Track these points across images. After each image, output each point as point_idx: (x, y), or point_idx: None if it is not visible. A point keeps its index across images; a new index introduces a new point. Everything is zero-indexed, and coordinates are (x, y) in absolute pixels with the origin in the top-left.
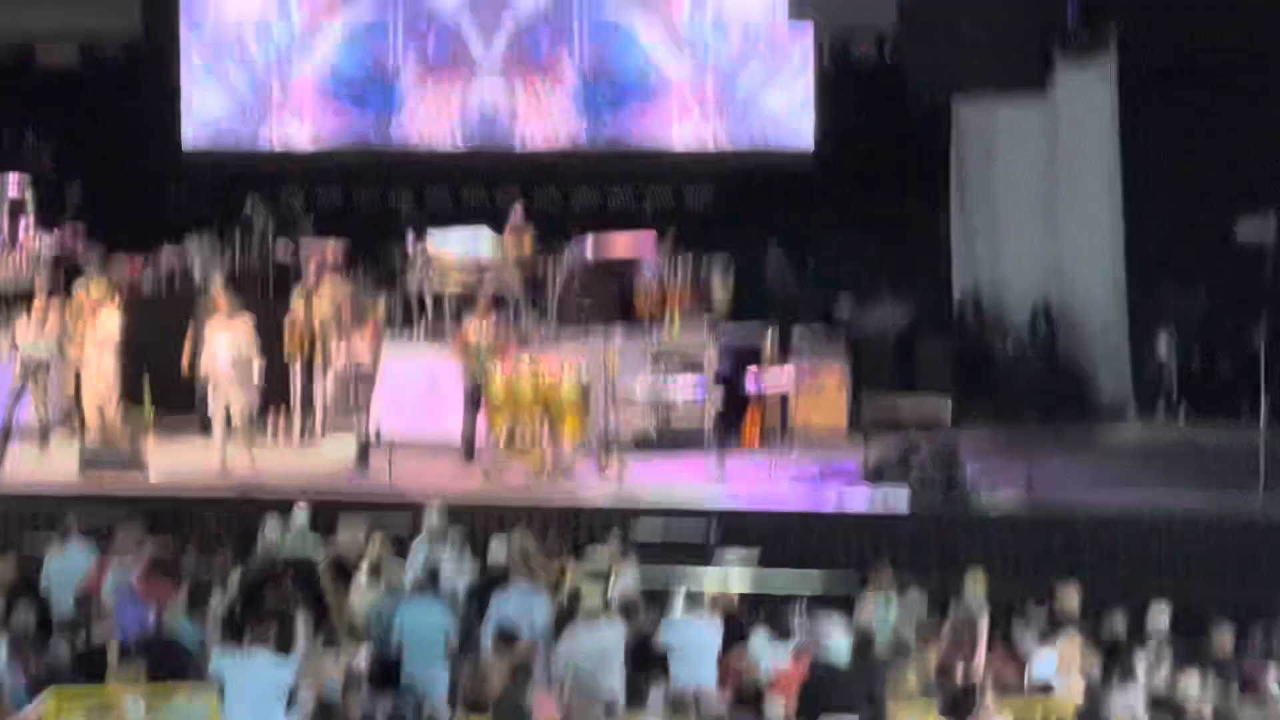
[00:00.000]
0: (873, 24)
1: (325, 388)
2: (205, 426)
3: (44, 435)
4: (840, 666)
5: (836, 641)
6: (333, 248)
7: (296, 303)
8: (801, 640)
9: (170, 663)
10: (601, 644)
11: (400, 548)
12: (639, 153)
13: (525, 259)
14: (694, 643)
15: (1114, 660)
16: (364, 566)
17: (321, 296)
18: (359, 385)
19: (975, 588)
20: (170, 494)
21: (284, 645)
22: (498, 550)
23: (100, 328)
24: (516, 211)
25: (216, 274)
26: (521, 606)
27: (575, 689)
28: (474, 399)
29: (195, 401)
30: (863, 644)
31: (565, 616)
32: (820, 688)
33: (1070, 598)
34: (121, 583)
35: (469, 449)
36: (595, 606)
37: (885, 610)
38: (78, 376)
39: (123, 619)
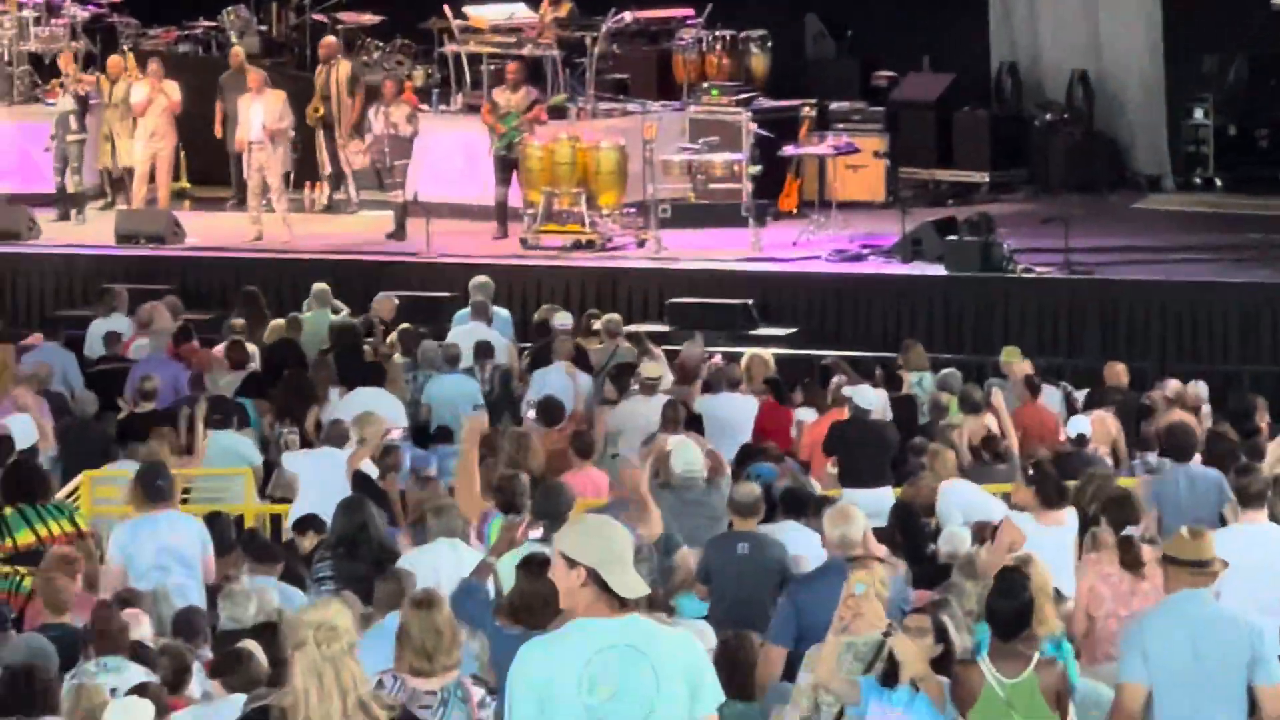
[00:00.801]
0: None
1: (358, 157)
2: (241, 200)
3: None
4: (872, 412)
5: (869, 395)
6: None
7: (319, 75)
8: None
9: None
10: (647, 418)
11: (433, 314)
12: None
13: (563, 26)
14: (729, 416)
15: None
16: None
17: (342, 69)
18: (395, 152)
19: (1011, 359)
20: (207, 261)
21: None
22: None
23: (164, 99)
24: None
25: (248, 44)
26: (562, 383)
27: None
28: (504, 167)
29: (230, 173)
30: (898, 401)
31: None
32: (851, 426)
33: (1117, 374)
34: (154, 349)
35: (500, 217)
36: (652, 378)
37: (919, 384)
38: (112, 146)
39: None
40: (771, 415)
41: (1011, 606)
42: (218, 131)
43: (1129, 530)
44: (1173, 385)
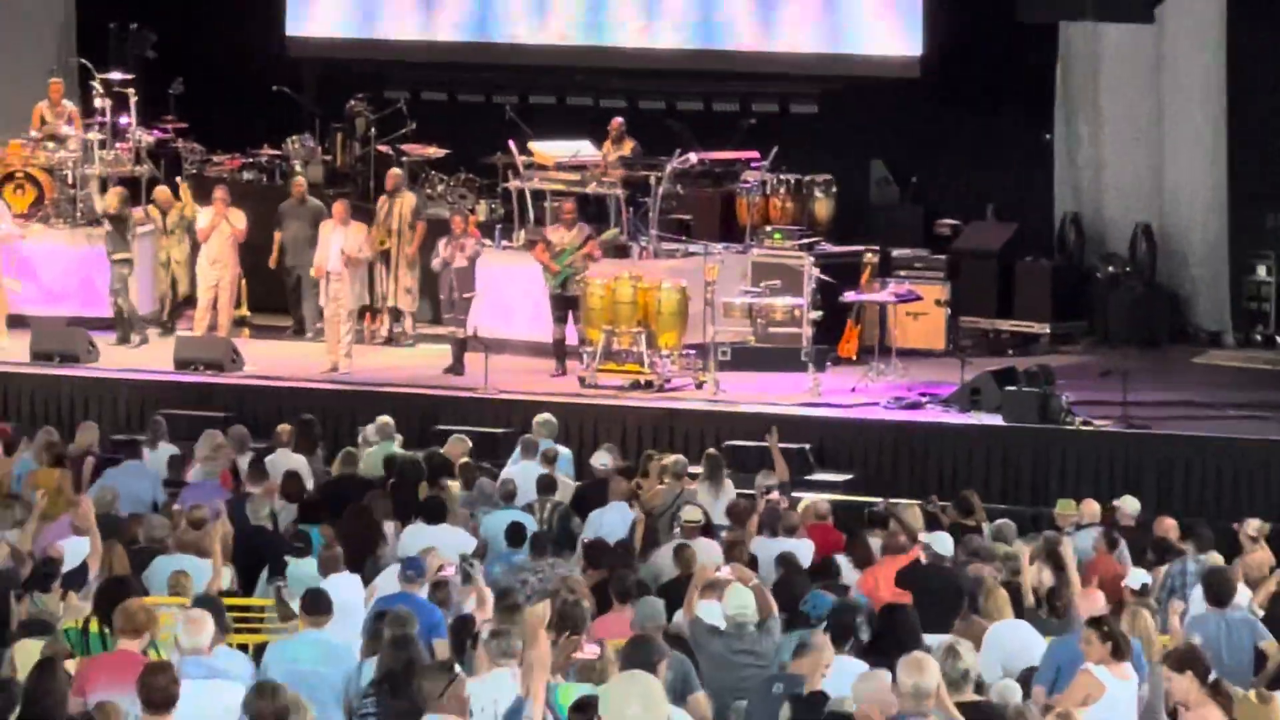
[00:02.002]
0: None
1: (417, 290)
2: (300, 329)
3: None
4: (945, 557)
5: (946, 541)
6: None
7: (382, 205)
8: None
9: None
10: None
11: (490, 449)
12: (744, 59)
13: (628, 165)
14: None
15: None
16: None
17: (405, 201)
18: (459, 287)
19: (1067, 511)
20: (264, 389)
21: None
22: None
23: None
24: (615, 124)
25: (312, 173)
26: (616, 523)
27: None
28: (561, 305)
29: (289, 301)
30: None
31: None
32: (920, 570)
33: (1166, 529)
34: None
35: (559, 355)
36: (693, 522)
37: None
38: (171, 273)
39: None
40: (828, 542)
41: None
42: (273, 261)
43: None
44: (1254, 524)
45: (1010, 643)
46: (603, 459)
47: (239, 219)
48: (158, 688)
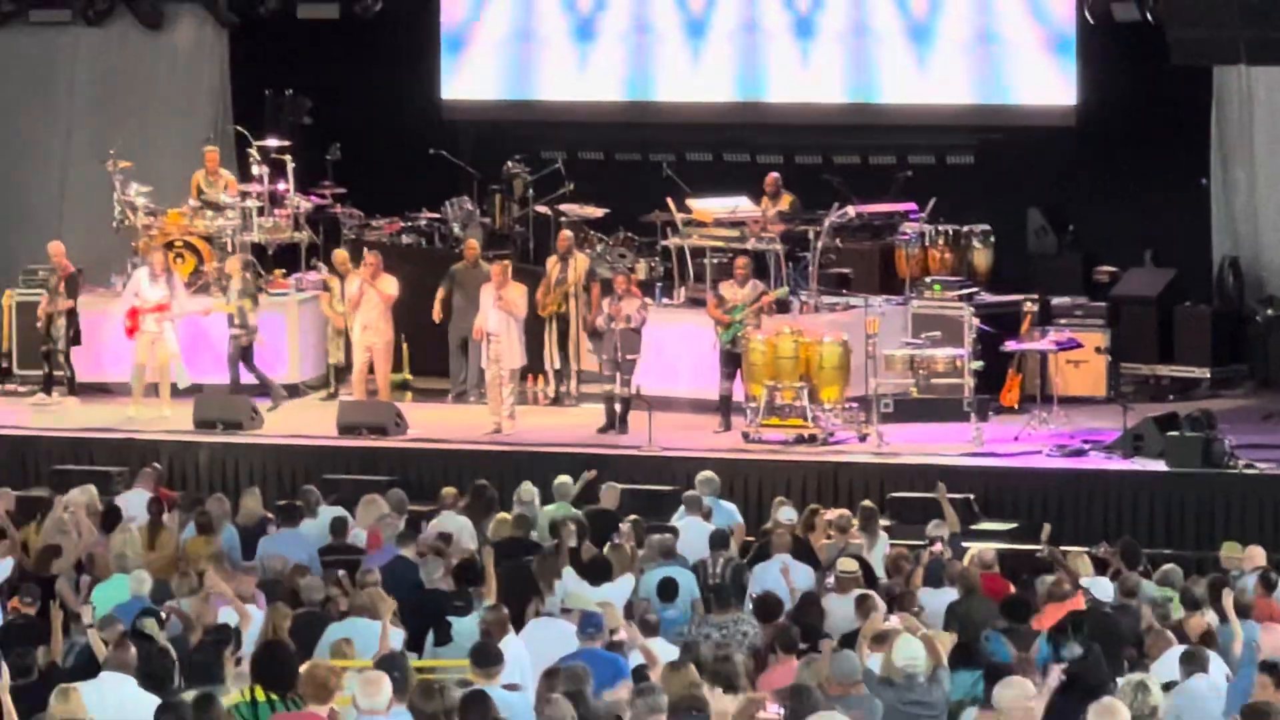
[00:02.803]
0: None
1: (580, 350)
2: (462, 393)
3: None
4: (1108, 604)
5: (1106, 586)
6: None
7: (553, 267)
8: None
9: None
10: (842, 614)
11: (655, 508)
12: (900, 112)
13: (786, 220)
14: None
15: None
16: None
17: (580, 263)
18: (621, 346)
19: (1233, 555)
20: (429, 453)
21: None
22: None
23: (369, 292)
24: (770, 179)
25: (472, 235)
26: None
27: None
28: (730, 361)
29: (451, 365)
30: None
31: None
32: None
33: None
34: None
35: (725, 410)
36: (848, 574)
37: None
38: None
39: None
40: (995, 592)
41: None
42: (435, 315)
43: None
44: None
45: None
46: (787, 514)
47: (389, 285)
48: None
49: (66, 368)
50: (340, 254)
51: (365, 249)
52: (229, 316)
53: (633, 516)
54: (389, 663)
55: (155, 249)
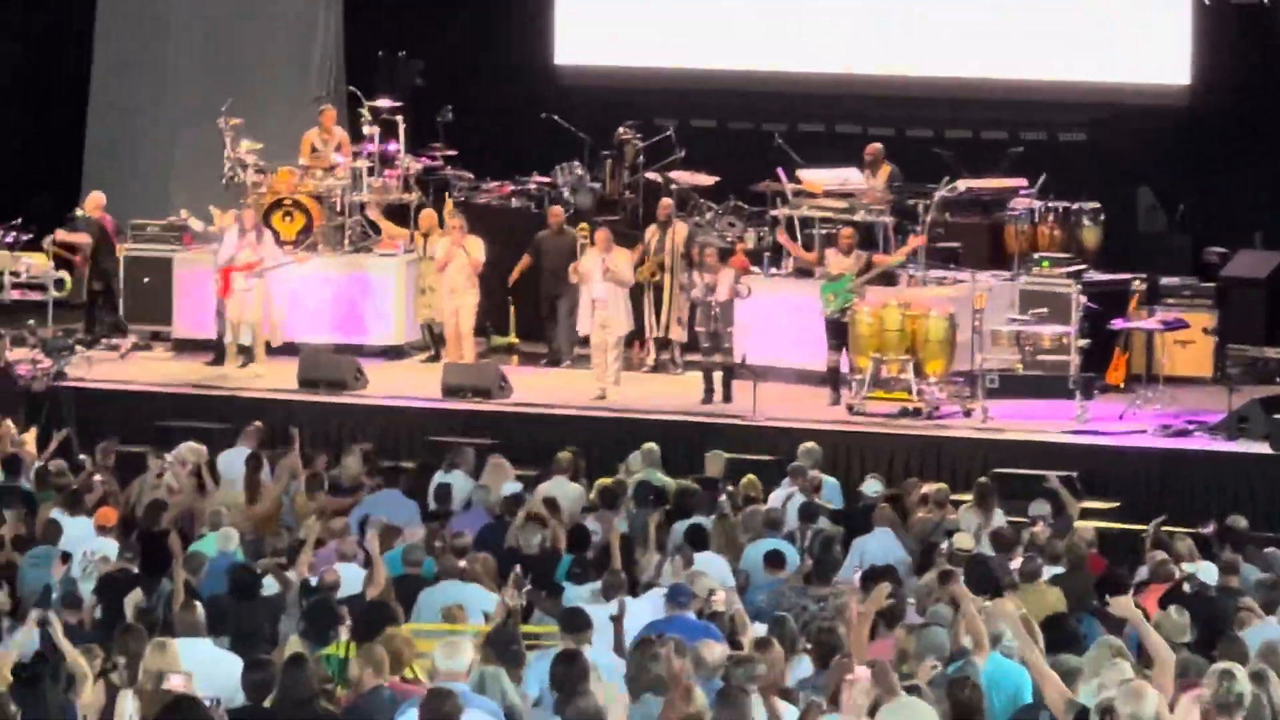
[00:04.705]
0: None
1: (682, 318)
2: (555, 359)
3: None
4: (1209, 586)
5: (1211, 571)
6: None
7: (652, 235)
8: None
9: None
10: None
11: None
12: (1013, 87)
13: (894, 193)
14: None
15: None
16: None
17: (679, 231)
18: (722, 316)
19: None
20: (532, 417)
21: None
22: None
23: (464, 256)
24: (871, 149)
25: (581, 201)
26: (883, 550)
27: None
28: (837, 332)
29: (544, 329)
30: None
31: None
32: (1183, 597)
33: None
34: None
35: (833, 382)
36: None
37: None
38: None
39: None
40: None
41: None
42: (512, 279)
43: None
44: None
45: None
46: (873, 486)
47: (476, 248)
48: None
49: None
50: (428, 214)
51: (450, 210)
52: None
53: (730, 487)
54: (502, 632)
55: (246, 206)
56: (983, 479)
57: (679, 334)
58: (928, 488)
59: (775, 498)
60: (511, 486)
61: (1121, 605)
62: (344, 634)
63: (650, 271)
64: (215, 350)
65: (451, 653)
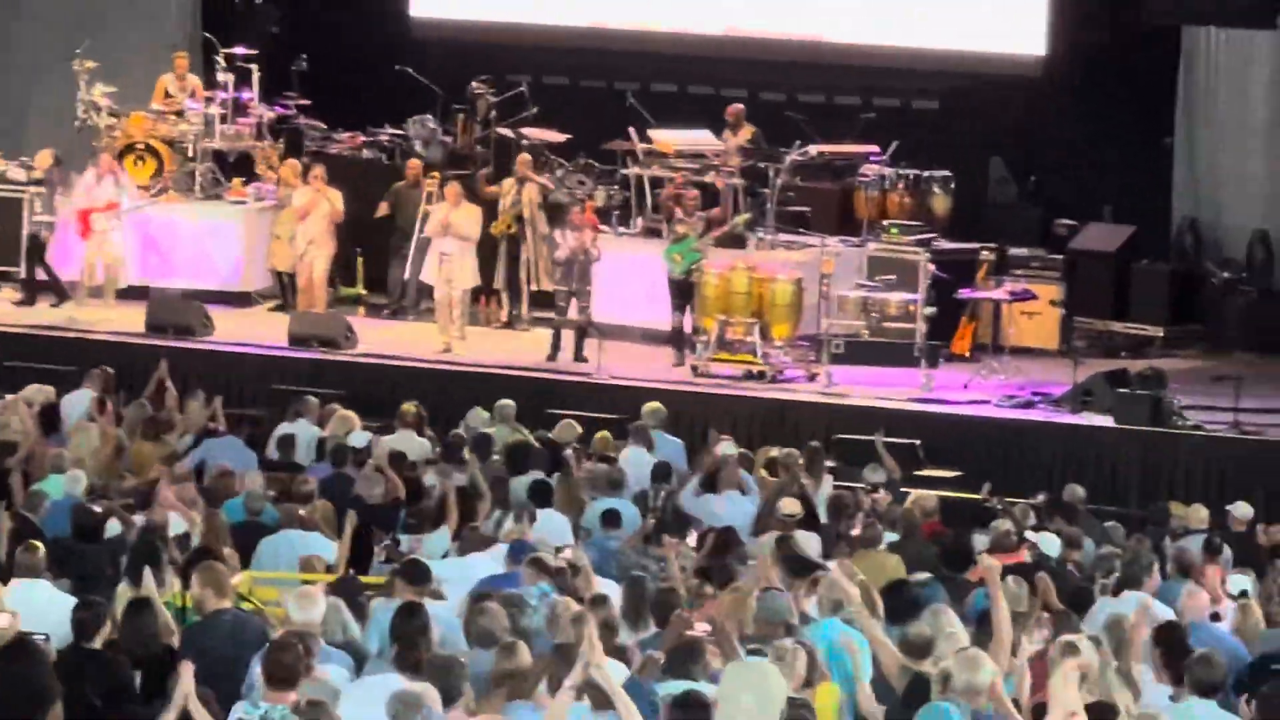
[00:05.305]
0: None
1: (533, 273)
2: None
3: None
4: (1051, 558)
5: (1053, 542)
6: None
7: (508, 190)
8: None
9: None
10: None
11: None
12: (867, 53)
13: (747, 154)
14: None
15: None
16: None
17: (533, 187)
18: (577, 273)
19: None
20: (377, 369)
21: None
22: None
23: (320, 201)
24: (732, 110)
25: (432, 154)
26: (729, 512)
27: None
28: (682, 293)
29: (400, 278)
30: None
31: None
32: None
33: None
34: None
35: (677, 343)
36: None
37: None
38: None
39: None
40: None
41: None
42: (380, 210)
43: None
44: None
45: None
46: (725, 448)
47: (337, 199)
48: (284, 664)
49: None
50: (291, 163)
51: (306, 160)
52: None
53: (574, 446)
54: (347, 582)
55: (101, 149)
56: (814, 443)
57: (549, 285)
58: (776, 451)
59: (621, 458)
60: (359, 437)
61: (987, 566)
62: (172, 577)
63: (506, 224)
64: (26, 289)
65: (306, 604)
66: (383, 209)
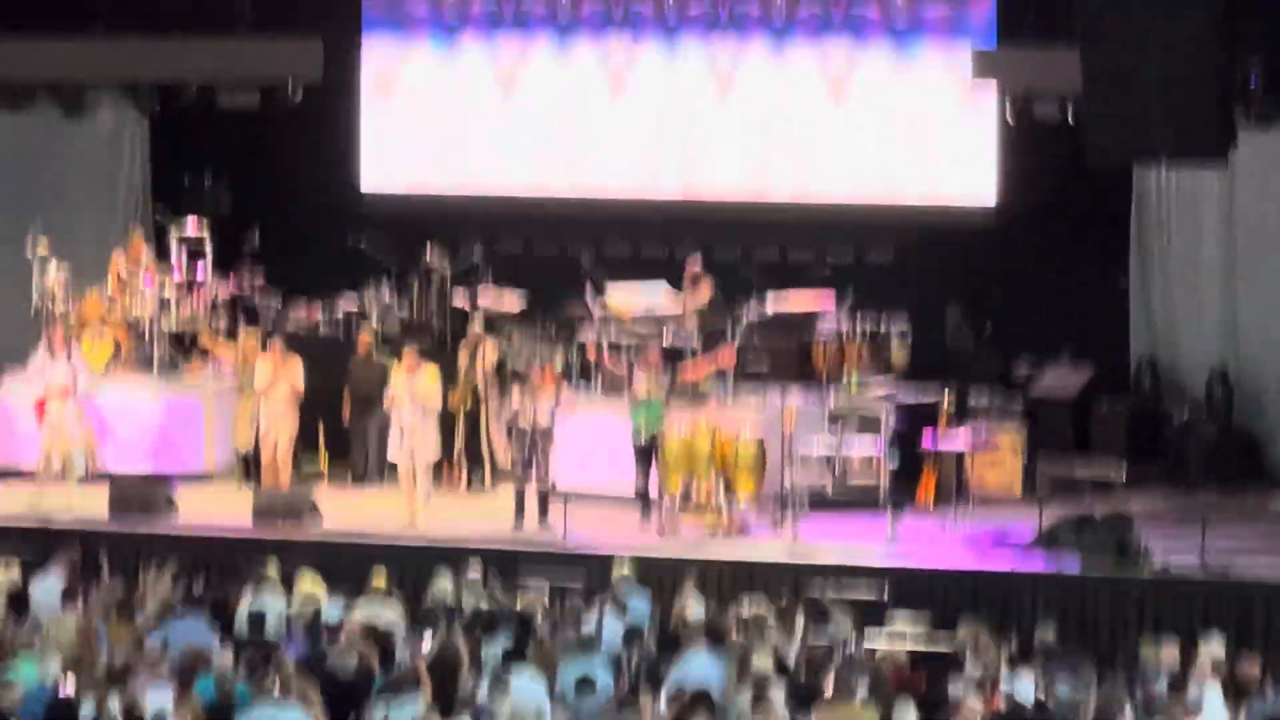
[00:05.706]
0: (1056, 86)
1: (497, 440)
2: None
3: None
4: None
5: (1024, 684)
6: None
7: (463, 355)
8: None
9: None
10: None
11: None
12: (819, 208)
13: (704, 311)
14: None
15: None
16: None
17: (489, 356)
18: (537, 438)
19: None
20: (344, 544)
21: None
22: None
23: (281, 377)
24: (693, 261)
25: (389, 326)
26: (700, 673)
27: None
28: (646, 453)
29: (363, 451)
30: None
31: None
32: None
33: (1251, 667)
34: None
35: (643, 504)
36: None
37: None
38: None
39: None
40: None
41: None
42: (345, 416)
43: None
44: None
45: None
46: (695, 609)
47: (297, 369)
48: None
49: None
50: (249, 343)
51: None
52: None
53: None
54: None
55: (54, 326)
56: (782, 600)
57: (503, 458)
58: (746, 609)
59: (591, 621)
60: (330, 611)
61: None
62: None
63: (462, 397)
64: None
65: None
66: (347, 393)
